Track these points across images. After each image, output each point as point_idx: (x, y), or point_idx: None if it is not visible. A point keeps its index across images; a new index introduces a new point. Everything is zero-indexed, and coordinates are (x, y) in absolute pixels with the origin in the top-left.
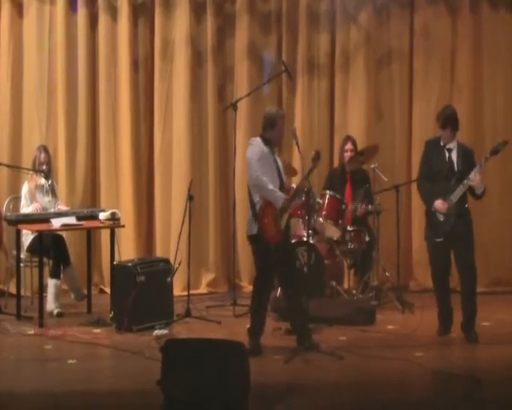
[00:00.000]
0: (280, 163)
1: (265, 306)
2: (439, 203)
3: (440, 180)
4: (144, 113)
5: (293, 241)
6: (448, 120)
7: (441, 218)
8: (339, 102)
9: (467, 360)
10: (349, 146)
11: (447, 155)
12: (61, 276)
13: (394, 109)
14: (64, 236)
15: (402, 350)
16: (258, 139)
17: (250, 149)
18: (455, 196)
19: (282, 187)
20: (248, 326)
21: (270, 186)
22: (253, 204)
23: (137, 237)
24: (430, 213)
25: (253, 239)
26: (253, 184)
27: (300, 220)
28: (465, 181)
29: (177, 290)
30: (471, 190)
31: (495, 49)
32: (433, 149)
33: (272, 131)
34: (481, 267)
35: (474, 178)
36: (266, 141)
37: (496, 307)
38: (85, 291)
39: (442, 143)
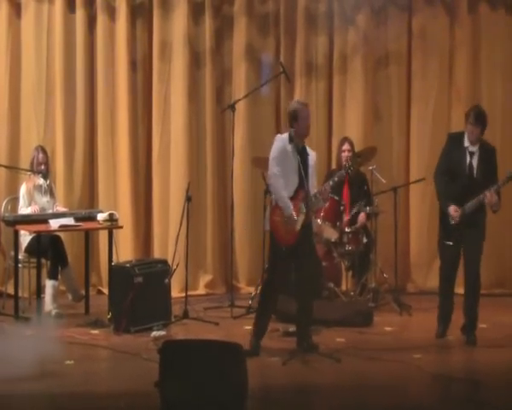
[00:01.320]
0: (310, 159)
1: (273, 308)
2: (452, 210)
3: (458, 182)
4: (142, 114)
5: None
6: (482, 117)
7: (451, 222)
8: (337, 103)
9: (465, 362)
10: (346, 146)
11: (468, 159)
12: (59, 277)
13: (392, 111)
14: (62, 237)
15: (400, 352)
16: (284, 136)
17: (273, 146)
18: (469, 208)
19: (301, 187)
20: (252, 326)
21: (283, 192)
22: (270, 200)
23: (135, 238)
24: (443, 215)
25: (270, 235)
26: (268, 181)
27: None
28: (481, 196)
29: (175, 292)
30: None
31: (493, 51)
32: (456, 147)
33: (296, 124)
34: (480, 269)
35: (490, 198)
36: (291, 137)
37: (494, 310)
38: (83, 292)
39: (466, 144)
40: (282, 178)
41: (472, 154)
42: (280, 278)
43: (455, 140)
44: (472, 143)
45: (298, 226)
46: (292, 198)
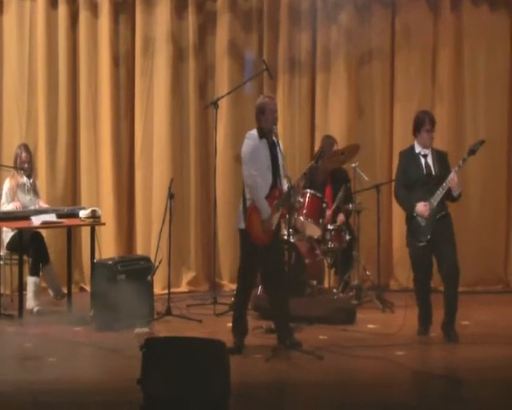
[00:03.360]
0: (280, 152)
1: (247, 303)
2: (421, 206)
3: (419, 187)
4: (125, 110)
5: None
6: (434, 121)
7: (423, 222)
8: (319, 100)
9: (447, 359)
10: (336, 147)
11: (423, 160)
12: (41, 274)
13: (375, 108)
14: (43, 233)
15: (382, 349)
16: (254, 132)
17: (244, 144)
18: (435, 199)
19: (276, 185)
20: (232, 325)
21: (260, 193)
22: (244, 198)
23: (118, 235)
24: (411, 219)
25: (241, 233)
26: (245, 182)
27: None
28: (444, 183)
29: (158, 289)
30: (448, 192)
31: (476, 48)
32: (409, 157)
33: (264, 117)
34: (461, 267)
35: (453, 178)
36: (262, 132)
37: (476, 307)
38: (65, 289)
39: (417, 150)
40: (258, 177)
41: (425, 156)
42: (253, 276)
43: (406, 153)
44: (424, 148)
45: (273, 225)
46: (267, 197)
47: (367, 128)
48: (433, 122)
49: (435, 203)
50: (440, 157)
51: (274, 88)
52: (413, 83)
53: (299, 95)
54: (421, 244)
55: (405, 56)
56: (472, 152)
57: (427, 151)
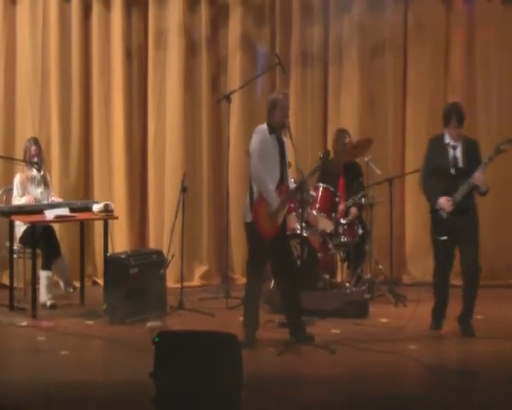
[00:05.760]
0: (286, 148)
1: (258, 297)
2: (443, 200)
3: (445, 177)
4: (137, 103)
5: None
6: (464, 116)
7: (445, 215)
8: (332, 94)
9: (460, 353)
10: (348, 139)
11: (451, 152)
12: (53, 267)
13: (388, 101)
14: (55, 228)
15: (395, 343)
16: (263, 126)
17: (253, 138)
18: (459, 195)
19: (283, 180)
20: (243, 318)
21: (270, 185)
22: (251, 191)
23: (131, 228)
24: (434, 212)
25: (248, 227)
26: (253, 175)
27: (294, 213)
28: (470, 180)
29: (170, 282)
30: (476, 187)
31: (488, 41)
32: (437, 146)
33: (274, 113)
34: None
35: (478, 177)
36: (271, 127)
37: (490, 301)
38: (77, 283)
39: (447, 141)
40: (266, 171)
41: (455, 147)
42: (262, 269)
43: (435, 142)
44: (454, 139)
45: (280, 220)
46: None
47: (379, 121)
48: (460, 118)
49: (459, 199)
50: (470, 147)
51: (286, 82)
52: (425, 76)
53: (311, 88)
54: (443, 238)
55: (418, 49)
56: (499, 151)
57: (457, 143)
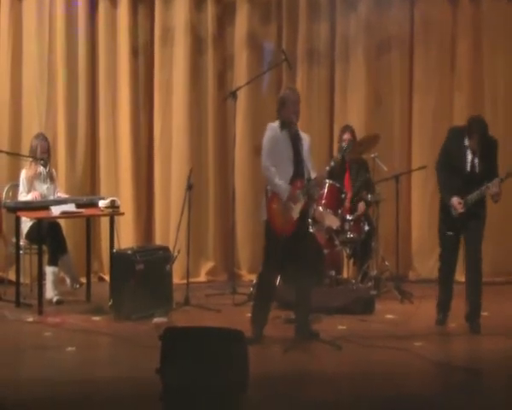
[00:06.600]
0: (304, 143)
1: (270, 295)
2: (455, 201)
3: (459, 176)
4: (144, 100)
5: None
6: (486, 133)
7: (454, 214)
8: (339, 91)
9: (466, 350)
10: (347, 136)
11: (470, 157)
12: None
13: (394, 98)
14: (61, 224)
15: (401, 340)
16: (275, 124)
17: (265, 135)
18: (471, 199)
19: (297, 176)
20: (251, 315)
21: (276, 179)
22: (266, 190)
23: (137, 224)
24: (444, 206)
25: (265, 225)
26: (262, 172)
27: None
28: (483, 188)
29: (177, 279)
30: (490, 196)
31: (495, 39)
32: (458, 144)
33: (284, 109)
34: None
35: (493, 190)
36: (283, 124)
37: (496, 298)
38: (83, 279)
39: (467, 143)
40: (273, 166)
41: (474, 152)
42: (276, 268)
43: (456, 136)
44: (473, 149)
45: (295, 215)
46: None
47: (386, 118)
48: (482, 137)
49: (470, 203)
50: (489, 148)
51: (293, 79)
52: (432, 73)
53: (318, 85)
54: (449, 234)
55: (424, 47)
56: (510, 175)
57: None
